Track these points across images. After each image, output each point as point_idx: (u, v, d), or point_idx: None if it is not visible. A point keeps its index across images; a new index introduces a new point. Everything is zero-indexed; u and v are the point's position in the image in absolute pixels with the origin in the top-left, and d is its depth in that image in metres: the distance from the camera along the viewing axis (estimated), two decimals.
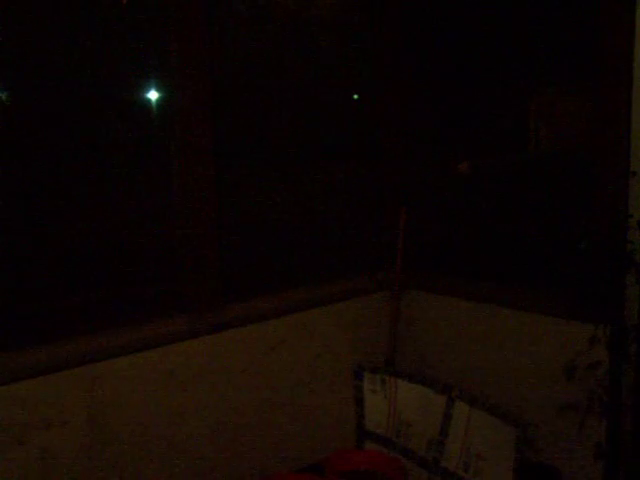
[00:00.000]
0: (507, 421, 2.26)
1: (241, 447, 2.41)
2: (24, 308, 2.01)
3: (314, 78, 2.79)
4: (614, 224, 2.07)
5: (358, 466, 2.66)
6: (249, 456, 2.43)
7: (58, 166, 2.09)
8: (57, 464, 1.94)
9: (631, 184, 2.06)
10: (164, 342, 2.17)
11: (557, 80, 2.51)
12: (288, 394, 2.55)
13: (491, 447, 2.31)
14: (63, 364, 1.95)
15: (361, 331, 2.83)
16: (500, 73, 2.65)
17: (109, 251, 2.20)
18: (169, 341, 2.19)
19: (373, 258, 3.00)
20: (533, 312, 2.39)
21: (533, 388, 2.40)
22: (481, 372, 2.60)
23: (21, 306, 2.00)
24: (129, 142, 2.23)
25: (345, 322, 2.76)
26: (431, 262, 2.95)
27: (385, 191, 3.01)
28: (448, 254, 2.92)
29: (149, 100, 2.28)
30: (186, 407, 2.23)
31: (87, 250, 2.15)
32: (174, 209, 2.29)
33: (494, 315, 2.54)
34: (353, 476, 2.61)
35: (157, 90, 2.27)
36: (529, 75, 2.56)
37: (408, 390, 2.63)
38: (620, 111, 2.07)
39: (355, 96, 3.01)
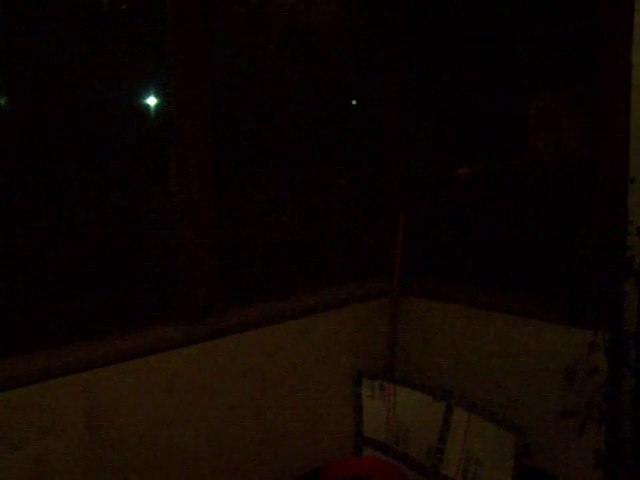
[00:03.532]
0: (506, 428, 2.26)
1: (238, 454, 2.39)
2: (21, 314, 2.00)
3: (314, 84, 2.79)
4: (613, 230, 2.07)
5: (357, 473, 2.65)
6: (246, 463, 2.42)
7: (57, 171, 2.08)
8: (53, 471, 1.92)
9: (630, 190, 2.06)
10: (163, 348, 2.16)
11: (556, 86, 2.52)
12: (286, 401, 2.54)
13: (490, 454, 2.30)
14: (60, 370, 1.93)
15: (360, 338, 2.82)
16: (499, 79, 2.66)
17: (107, 257, 2.19)
18: (168, 347, 2.17)
19: (372, 264, 3.00)
20: (532, 318, 2.39)
21: (532, 394, 2.40)
22: (480, 378, 2.59)
23: (18, 312, 1.99)
24: (127, 147, 2.23)
25: (344, 328, 2.75)
26: (430, 269, 2.95)
27: (384, 197, 3.00)
28: (447, 260, 2.92)
29: (147, 106, 2.28)
30: (184, 414, 2.22)
31: (84, 256, 2.14)
32: (173, 214, 2.29)
33: (493, 321, 2.53)
34: None
35: (155, 96, 2.27)
36: (529, 81, 2.57)
37: (407, 397, 2.62)
38: (619, 117, 2.07)
39: (353, 102, 3.01)
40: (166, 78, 2.23)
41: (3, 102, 1.97)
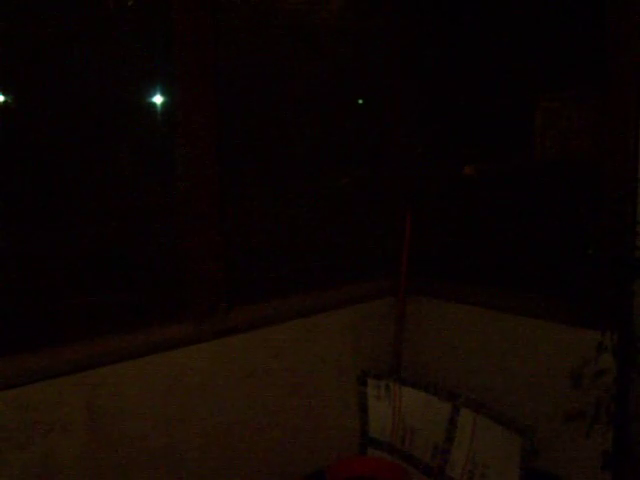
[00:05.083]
0: (513, 429, 2.24)
1: (244, 453, 2.39)
2: (27, 312, 2.00)
3: (319, 82, 2.78)
4: (622, 230, 2.05)
5: (362, 473, 2.64)
6: (252, 462, 2.41)
7: (62, 170, 2.08)
8: (58, 469, 1.92)
9: (639, 190, 2.04)
10: (168, 347, 2.16)
11: (564, 85, 2.50)
12: (291, 400, 2.53)
13: (497, 455, 2.29)
14: (65, 369, 1.93)
15: (365, 337, 2.81)
16: (507, 78, 2.64)
17: (114, 255, 2.19)
18: (173, 346, 2.17)
19: (378, 264, 2.99)
20: (539, 318, 2.37)
21: (539, 395, 2.38)
22: (487, 379, 2.58)
23: (24, 310, 1.99)
24: (134, 146, 2.23)
25: (350, 328, 2.74)
26: (437, 268, 2.94)
27: (391, 197, 2.99)
28: (454, 260, 2.90)
29: (154, 104, 2.28)
30: (189, 412, 2.22)
31: (91, 254, 2.14)
32: (179, 214, 2.28)
33: (500, 321, 2.52)
34: None
35: (162, 94, 2.27)
36: (536, 80, 2.55)
37: (413, 397, 2.61)
38: (628, 116, 2.05)
39: (360, 101, 3.01)
40: (172, 76, 2.22)
41: (9, 100, 1.97)
